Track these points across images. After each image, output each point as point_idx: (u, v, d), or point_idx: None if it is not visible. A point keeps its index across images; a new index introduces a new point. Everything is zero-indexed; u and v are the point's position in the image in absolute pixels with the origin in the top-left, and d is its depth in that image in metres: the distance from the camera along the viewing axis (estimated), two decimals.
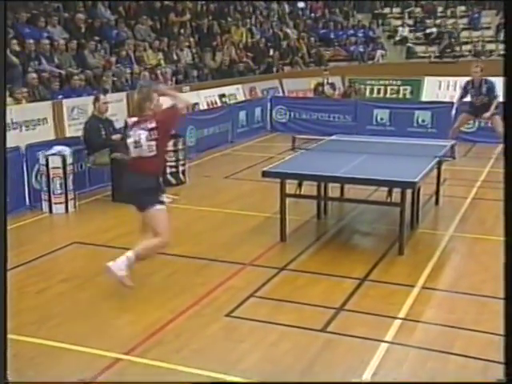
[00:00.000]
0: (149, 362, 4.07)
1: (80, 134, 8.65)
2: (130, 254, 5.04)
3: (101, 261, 5.97)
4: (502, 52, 20.13)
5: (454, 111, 10.87)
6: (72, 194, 7.79)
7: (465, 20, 22.15)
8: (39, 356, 4.14)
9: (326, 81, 14.91)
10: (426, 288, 5.27)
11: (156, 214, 5.11)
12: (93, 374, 3.91)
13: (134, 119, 5.28)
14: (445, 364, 4.04)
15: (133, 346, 4.25)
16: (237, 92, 14.46)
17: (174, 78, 13.90)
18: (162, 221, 5.13)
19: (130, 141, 5.25)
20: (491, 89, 10.47)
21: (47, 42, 11.93)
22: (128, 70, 12.80)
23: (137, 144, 5.16)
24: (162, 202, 5.15)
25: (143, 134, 5.15)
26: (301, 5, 22.11)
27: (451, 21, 21.89)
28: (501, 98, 10.96)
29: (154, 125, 5.15)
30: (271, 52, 17.77)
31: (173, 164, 9.02)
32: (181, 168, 9.14)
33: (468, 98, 10.83)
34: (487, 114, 10.48)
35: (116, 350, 4.19)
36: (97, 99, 8.63)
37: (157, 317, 4.70)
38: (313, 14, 22.10)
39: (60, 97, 10.67)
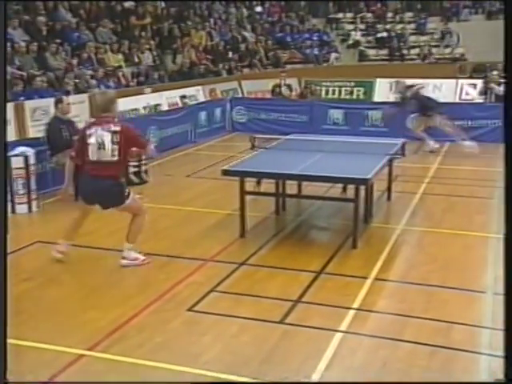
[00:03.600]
0: (112, 357, 4.01)
1: (42, 134, 8.47)
2: (127, 246, 5.49)
3: (64, 259, 5.88)
4: (447, 56, 20.66)
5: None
6: (35, 194, 7.62)
7: (412, 25, 22.57)
8: None
9: (283, 82, 14.97)
10: (379, 279, 5.35)
11: (129, 205, 5.39)
12: (56, 370, 3.84)
13: (93, 119, 5.25)
14: (395, 350, 4.11)
15: (96, 342, 4.18)
16: (197, 93, 14.39)
17: (135, 80, 13.75)
18: (135, 206, 5.46)
19: (91, 141, 5.06)
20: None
21: (8, 44, 11.62)
22: (90, 72, 12.59)
23: (100, 146, 5.02)
24: (128, 195, 5.36)
25: (106, 136, 4.99)
26: (258, 9, 22.14)
27: (400, 26, 22.28)
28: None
29: (118, 128, 5.01)
30: (230, 54, 17.74)
31: (135, 164, 8.89)
32: (143, 167, 9.00)
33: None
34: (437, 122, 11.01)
35: (79, 347, 4.12)
36: (59, 101, 8.46)
37: (119, 313, 4.64)
38: (270, 18, 22.16)
39: (22, 98, 10.41)
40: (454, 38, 21.09)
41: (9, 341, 4.15)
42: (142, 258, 5.56)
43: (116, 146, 5.07)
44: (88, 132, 5.21)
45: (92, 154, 5.18)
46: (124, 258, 5.51)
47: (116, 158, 5.11)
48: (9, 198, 7.46)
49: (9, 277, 5.39)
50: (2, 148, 3.08)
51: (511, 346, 2.63)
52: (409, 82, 11.19)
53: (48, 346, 4.14)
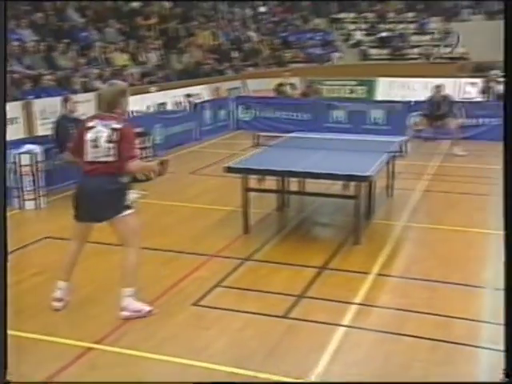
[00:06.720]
0: (119, 351, 4.02)
1: (51, 132, 8.48)
2: (124, 292, 4.45)
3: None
4: (448, 55, 20.59)
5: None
6: (43, 191, 7.64)
7: (414, 25, 22.50)
8: (10, 347, 4.03)
9: (286, 81, 14.93)
10: (381, 275, 5.35)
11: (125, 221, 4.37)
12: (65, 362, 3.85)
13: (95, 114, 4.50)
14: (397, 345, 4.10)
15: (104, 335, 4.20)
16: (202, 92, 14.37)
17: (143, 80, 13.76)
18: (131, 227, 4.41)
19: (87, 138, 4.35)
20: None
21: (17, 43, 11.67)
22: (97, 71, 12.59)
23: (95, 143, 4.31)
24: (129, 207, 4.40)
25: (104, 133, 4.29)
26: (262, 9, 22.10)
27: (401, 25, 22.21)
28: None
29: (119, 126, 4.28)
30: (235, 54, 17.72)
31: None
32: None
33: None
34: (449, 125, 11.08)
35: (87, 340, 4.13)
36: (67, 99, 8.46)
37: None
38: (273, 18, 22.12)
39: (31, 97, 10.43)
40: (455, 38, 21.02)
41: (19, 334, 4.20)
42: (147, 308, 4.48)
43: (112, 145, 4.28)
44: (87, 125, 4.42)
45: (87, 152, 4.37)
46: (123, 309, 4.42)
47: (112, 159, 4.30)
48: (17, 194, 7.49)
49: (17, 272, 5.42)
50: (1, 148, 3.01)
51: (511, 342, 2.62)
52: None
53: (57, 339, 4.16)
